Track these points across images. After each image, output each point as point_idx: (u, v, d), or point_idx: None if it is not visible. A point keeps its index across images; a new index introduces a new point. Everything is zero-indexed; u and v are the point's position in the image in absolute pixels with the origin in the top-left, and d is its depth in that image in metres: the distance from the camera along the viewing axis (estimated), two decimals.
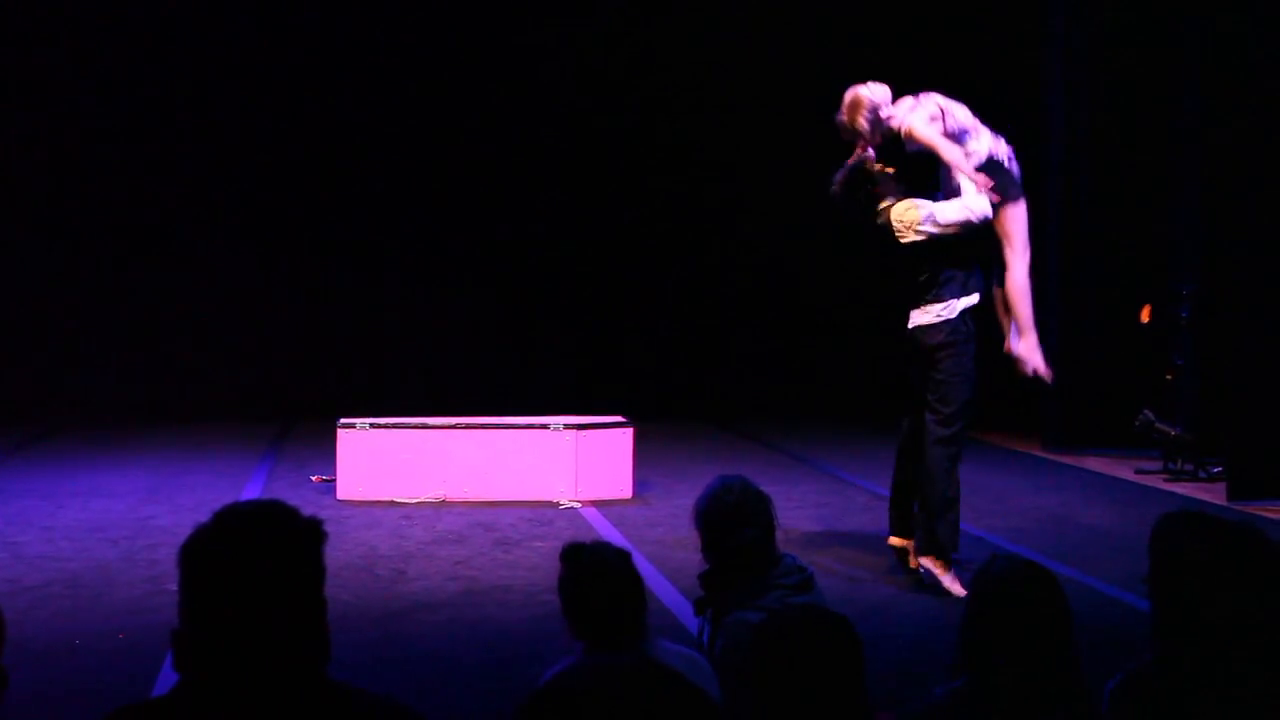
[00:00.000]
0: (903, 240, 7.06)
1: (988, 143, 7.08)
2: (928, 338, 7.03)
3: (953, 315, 6.99)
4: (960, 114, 7.10)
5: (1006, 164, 7.11)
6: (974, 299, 7.07)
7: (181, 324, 13.37)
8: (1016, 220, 7.09)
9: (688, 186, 13.89)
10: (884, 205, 7.13)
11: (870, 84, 7.18)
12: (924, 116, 7.04)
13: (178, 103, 13.24)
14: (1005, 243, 7.11)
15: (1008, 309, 7.22)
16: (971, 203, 6.97)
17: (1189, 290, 10.69)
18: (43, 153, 13.14)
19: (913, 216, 7.05)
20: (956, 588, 6.74)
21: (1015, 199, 7.08)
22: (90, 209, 13.19)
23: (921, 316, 7.06)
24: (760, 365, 14.05)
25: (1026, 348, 7.20)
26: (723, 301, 14.05)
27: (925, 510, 7.02)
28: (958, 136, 7.04)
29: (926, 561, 6.96)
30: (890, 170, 7.18)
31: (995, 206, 7.00)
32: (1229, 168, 10.10)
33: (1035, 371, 7.26)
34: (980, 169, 6.98)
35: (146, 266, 13.30)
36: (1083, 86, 11.65)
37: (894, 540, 7.28)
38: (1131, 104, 11.54)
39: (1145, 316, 11.00)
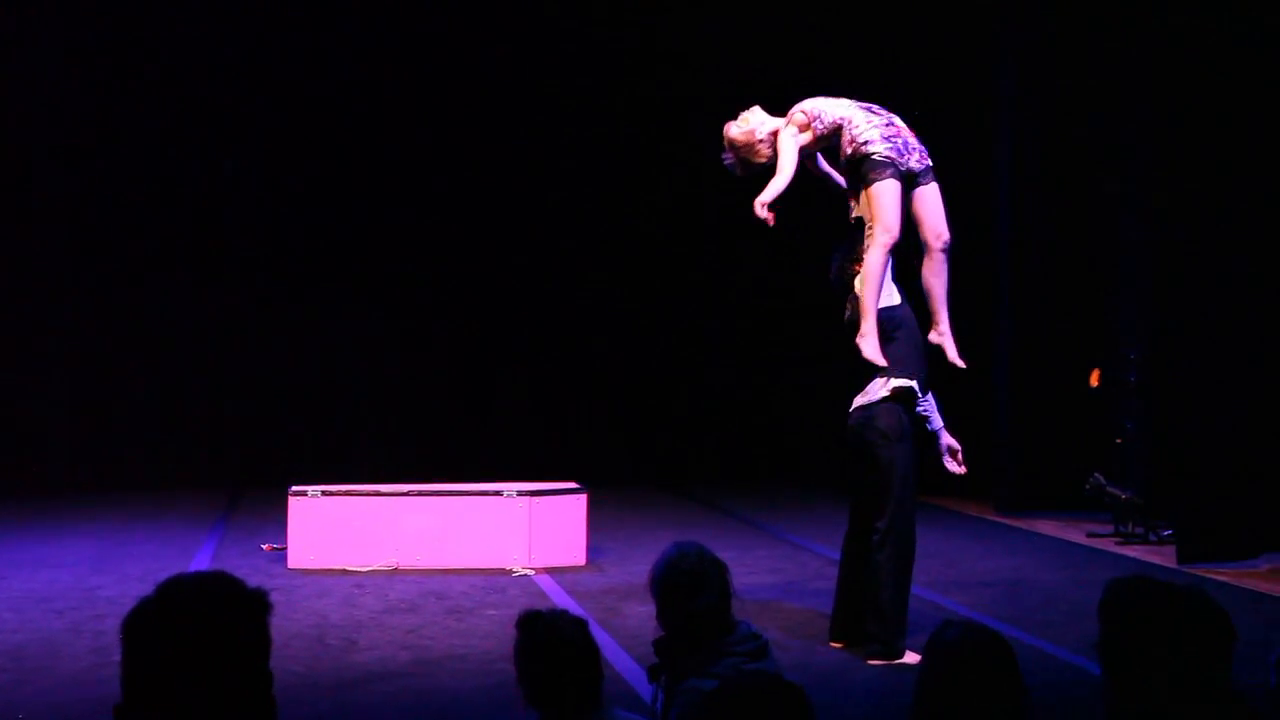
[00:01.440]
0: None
1: (875, 133, 6.98)
2: (865, 432, 6.94)
3: (887, 393, 6.91)
4: (835, 111, 7.06)
5: (900, 153, 6.98)
6: (909, 382, 6.97)
7: (130, 391, 13.24)
8: (927, 202, 7.06)
9: (642, 252, 13.93)
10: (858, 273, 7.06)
11: (742, 114, 7.17)
12: (792, 130, 7.08)
13: (127, 167, 13.17)
14: (919, 227, 7.10)
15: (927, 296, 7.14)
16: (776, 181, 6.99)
17: (1136, 354, 10.79)
18: None
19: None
20: (910, 656, 6.71)
21: (925, 184, 7.06)
22: (35, 277, 13.07)
23: (862, 397, 7.01)
24: (714, 430, 14.05)
25: (936, 335, 7.10)
26: (676, 367, 14.06)
27: (876, 616, 6.86)
28: (835, 132, 7.02)
29: (877, 663, 6.80)
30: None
31: (910, 184, 6.98)
32: (1174, 233, 10.22)
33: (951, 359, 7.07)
34: (860, 158, 6.93)
35: (92, 333, 13.19)
36: (1031, 153, 11.79)
37: (835, 645, 7.10)
38: (1079, 170, 11.69)
39: (1094, 380, 11.09)
